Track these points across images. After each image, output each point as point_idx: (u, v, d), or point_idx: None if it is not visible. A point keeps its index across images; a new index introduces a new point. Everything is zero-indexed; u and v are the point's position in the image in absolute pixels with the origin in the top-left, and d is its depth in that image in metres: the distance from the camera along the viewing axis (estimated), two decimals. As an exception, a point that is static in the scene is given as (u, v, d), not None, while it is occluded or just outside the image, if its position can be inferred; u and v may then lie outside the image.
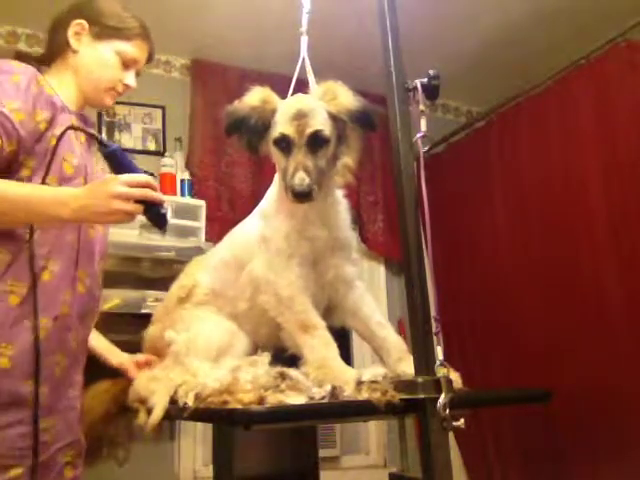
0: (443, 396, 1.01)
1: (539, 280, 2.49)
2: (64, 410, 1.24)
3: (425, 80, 1.19)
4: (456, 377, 1.32)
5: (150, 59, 1.46)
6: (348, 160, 1.30)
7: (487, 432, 2.75)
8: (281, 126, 1.29)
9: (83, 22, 1.35)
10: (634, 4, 2.32)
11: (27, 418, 1.12)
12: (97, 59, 1.36)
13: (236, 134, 1.35)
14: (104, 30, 1.36)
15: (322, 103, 1.30)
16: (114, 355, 1.55)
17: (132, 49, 1.38)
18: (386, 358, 1.38)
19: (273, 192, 1.47)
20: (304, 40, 1.57)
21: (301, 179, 1.22)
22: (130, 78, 1.41)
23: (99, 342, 1.55)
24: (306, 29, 1.57)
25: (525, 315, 2.54)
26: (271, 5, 2.69)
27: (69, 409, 1.25)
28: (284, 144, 1.29)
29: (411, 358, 1.31)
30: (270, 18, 2.78)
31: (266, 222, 1.43)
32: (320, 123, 1.28)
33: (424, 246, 1.17)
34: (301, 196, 1.23)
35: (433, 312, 1.11)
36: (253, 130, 1.32)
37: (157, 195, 1.18)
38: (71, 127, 1.26)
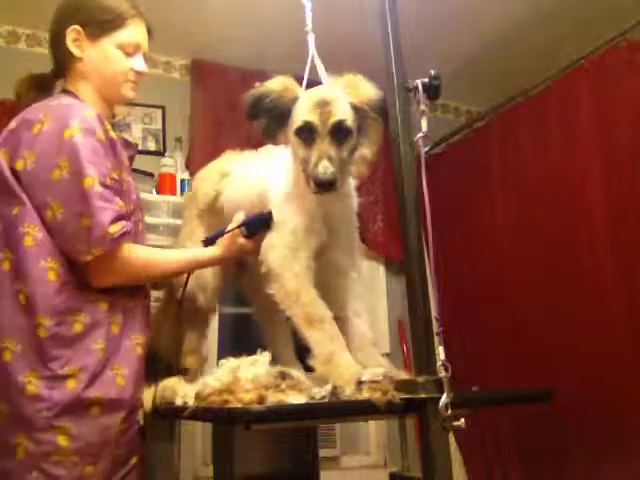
0: (445, 396, 1.01)
1: (539, 280, 2.49)
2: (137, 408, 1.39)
3: (426, 80, 1.19)
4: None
5: (149, 33, 1.46)
6: (366, 152, 1.28)
7: (487, 432, 2.75)
8: (304, 114, 1.27)
9: (77, 27, 1.36)
10: (634, 4, 2.32)
11: (123, 418, 1.30)
12: (102, 58, 1.38)
13: (256, 118, 1.33)
14: (98, 27, 1.36)
15: (344, 94, 1.29)
16: None
17: (129, 34, 1.39)
18: (349, 345, 1.36)
19: (286, 179, 1.44)
20: (311, 38, 1.55)
21: (325, 167, 1.20)
22: (138, 63, 1.42)
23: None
24: (311, 27, 1.56)
25: (525, 315, 2.54)
26: (271, 5, 2.69)
27: (138, 406, 1.40)
28: (306, 133, 1.27)
29: (371, 350, 1.37)
30: (270, 18, 2.78)
31: (278, 204, 1.43)
32: (344, 112, 1.26)
33: (424, 246, 1.17)
34: (325, 185, 1.21)
35: (434, 312, 1.11)
36: (272, 113, 1.31)
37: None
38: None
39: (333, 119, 1.24)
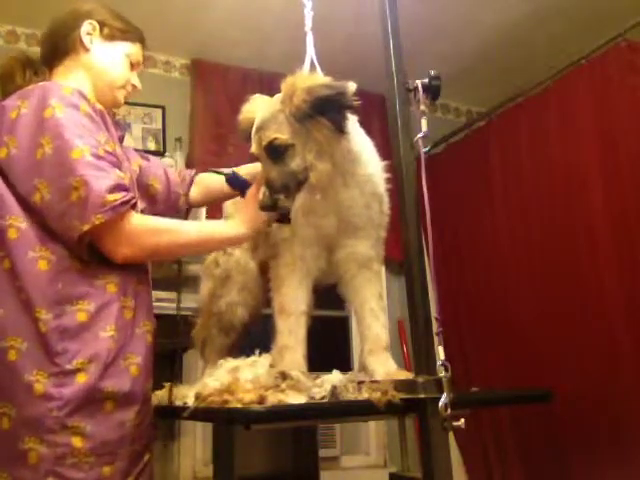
0: (445, 396, 1.01)
1: (539, 280, 2.49)
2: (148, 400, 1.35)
3: (426, 80, 1.19)
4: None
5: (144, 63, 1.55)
6: (309, 156, 1.25)
7: (487, 432, 2.75)
8: (252, 143, 1.32)
9: (94, 23, 1.41)
10: (634, 4, 2.33)
11: (137, 411, 1.25)
12: (110, 58, 1.42)
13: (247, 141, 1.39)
14: (113, 32, 1.43)
15: (280, 107, 1.26)
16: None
17: (137, 52, 1.47)
18: (362, 346, 1.40)
19: None
20: (310, 38, 1.55)
21: (262, 194, 1.26)
22: (136, 79, 1.49)
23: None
24: (311, 27, 1.56)
25: (525, 315, 2.54)
26: (271, 5, 2.70)
27: (149, 398, 1.36)
28: (255, 159, 1.32)
29: (383, 354, 1.35)
30: (270, 18, 2.78)
31: None
32: (275, 131, 1.24)
33: (424, 246, 1.17)
34: (267, 209, 1.27)
35: (434, 312, 1.11)
36: (247, 138, 1.35)
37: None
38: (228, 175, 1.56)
39: (264, 143, 1.27)
